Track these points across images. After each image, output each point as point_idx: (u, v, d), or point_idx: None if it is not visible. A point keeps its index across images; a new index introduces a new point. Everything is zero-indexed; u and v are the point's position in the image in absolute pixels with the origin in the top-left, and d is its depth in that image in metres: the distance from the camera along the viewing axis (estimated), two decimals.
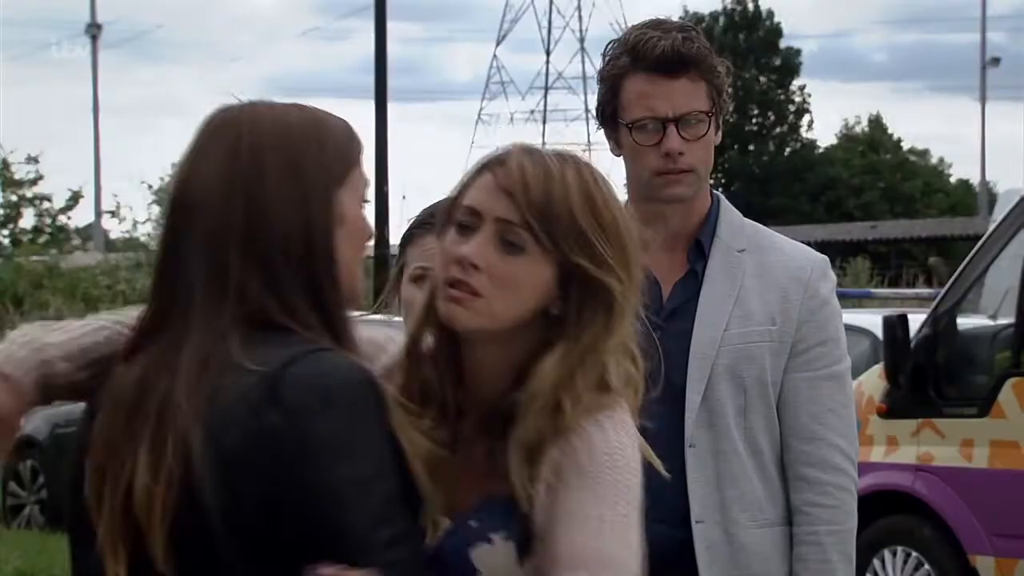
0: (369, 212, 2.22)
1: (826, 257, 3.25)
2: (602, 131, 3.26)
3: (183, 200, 2.08)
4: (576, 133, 56.42)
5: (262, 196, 2.05)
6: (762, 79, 51.68)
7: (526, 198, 2.13)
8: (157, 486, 1.97)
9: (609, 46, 3.21)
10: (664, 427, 2.98)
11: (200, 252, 2.06)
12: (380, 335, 2.31)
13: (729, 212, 3.24)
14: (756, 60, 51.65)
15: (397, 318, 2.95)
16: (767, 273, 3.17)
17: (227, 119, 2.11)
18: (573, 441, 2.07)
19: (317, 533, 1.94)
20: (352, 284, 2.12)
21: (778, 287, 3.16)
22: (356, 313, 2.18)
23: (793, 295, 3.15)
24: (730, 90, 3.22)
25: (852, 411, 3.23)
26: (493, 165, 2.18)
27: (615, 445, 2.08)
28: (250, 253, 2.05)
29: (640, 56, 3.12)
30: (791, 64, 52.10)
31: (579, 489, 2.05)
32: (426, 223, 2.95)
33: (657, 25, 3.17)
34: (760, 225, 3.30)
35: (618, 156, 3.24)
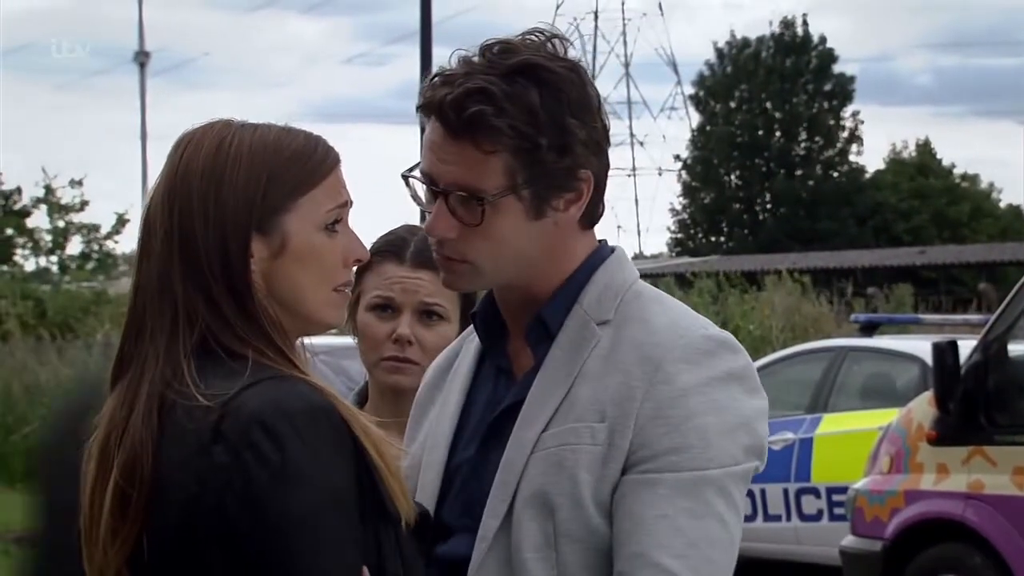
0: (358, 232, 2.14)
1: (723, 335, 2.21)
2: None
3: (143, 223, 2.07)
4: (621, 158, 56.47)
5: (189, 221, 2.03)
6: (815, 105, 51.70)
7: None
8: (122, 524, 1.99)
9: None
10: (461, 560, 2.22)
11: (153, 277, 2.05)
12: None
13: (610, 274, 2.26)
14: (805, 85, 51.64)
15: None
16: (615, 353, 2.20)
17: (181, 139, 2.08)
18: None
19: (267, 567, 1.93)
20: (309, 312, 2.08)
21: (621, 371, 2.18)
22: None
23: (636, 382, 2.16)
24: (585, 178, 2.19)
25: (710, 528, 2.11)
26: None
27: None
28: (189, 278, 2.03)
29: (423, 95, 2.22)
30: (845, 90, 52.08)
31: None
32: (383, 251, 2.91)
33: (466, 62, 2.19)
34: (662, 294, 2.28)
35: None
